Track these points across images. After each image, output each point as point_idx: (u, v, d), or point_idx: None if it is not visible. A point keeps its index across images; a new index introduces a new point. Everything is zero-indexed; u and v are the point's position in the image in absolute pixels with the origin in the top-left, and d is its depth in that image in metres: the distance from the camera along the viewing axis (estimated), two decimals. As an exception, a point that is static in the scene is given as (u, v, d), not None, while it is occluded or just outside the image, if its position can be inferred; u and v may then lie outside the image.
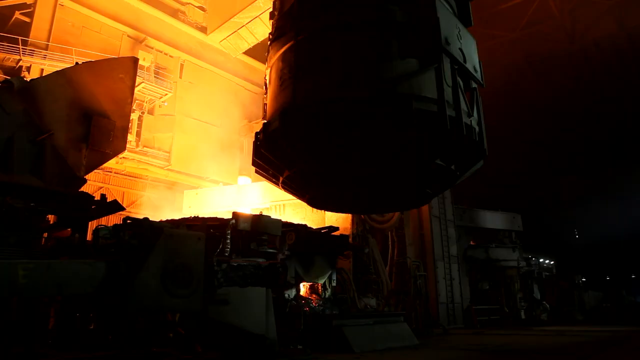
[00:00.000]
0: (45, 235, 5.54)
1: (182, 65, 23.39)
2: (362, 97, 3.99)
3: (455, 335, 10.00)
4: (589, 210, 33.60)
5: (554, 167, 33.02)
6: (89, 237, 5.49)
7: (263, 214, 6.42)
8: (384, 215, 13.75)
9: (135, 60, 6.62)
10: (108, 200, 5.83)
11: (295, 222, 7.74)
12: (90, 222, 5.65)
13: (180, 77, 23.19)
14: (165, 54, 22.74)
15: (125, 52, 20.19)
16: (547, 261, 21.77)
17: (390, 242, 14.08)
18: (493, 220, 17.18)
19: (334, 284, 8.06)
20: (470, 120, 4.36)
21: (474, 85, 4.77)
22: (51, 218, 5.71)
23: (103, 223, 5.65)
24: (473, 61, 4.67)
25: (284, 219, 7.24)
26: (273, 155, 4.81)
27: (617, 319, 17.02)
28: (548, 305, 17.73)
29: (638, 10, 21.80)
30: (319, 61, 4.26)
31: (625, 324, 12.62)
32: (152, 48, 21.94)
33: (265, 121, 4.81)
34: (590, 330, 10.69)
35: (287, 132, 4.38)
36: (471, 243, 16.68)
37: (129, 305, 3.96)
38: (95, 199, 5.65)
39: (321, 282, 7.77)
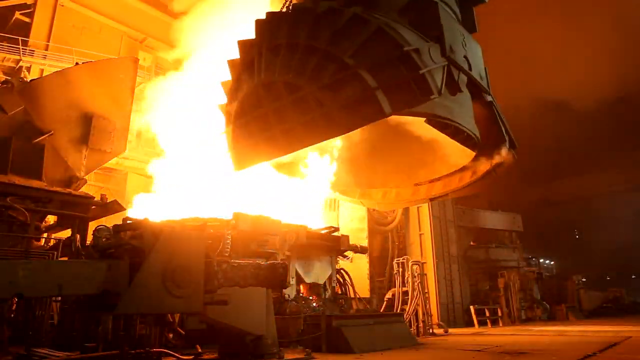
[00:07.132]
0: (45, 235, 5.55)
1: (182, 65, 23.37)
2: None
3: (455, 335, 9.99)
4: (590, 211, 33.59)
5: (554, 168, 33.02)
6: (89, 237, 5.49)
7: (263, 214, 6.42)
8: (386, 217, 13.78)
9: (135, 60, 6.64)
10: (108, 201, 5.84)
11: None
12: (90, 223, 5.67)
13: (181, 77, 23.15)
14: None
15: (125, 52, 20.15)
16: (547, 261, 21.74)
17: (390, 242, 14.09)
18: (493, 220, 17.17)
19: (334, 284, 8.06)
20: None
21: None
22: (51, 218, 5.72)
23: (103, 223, 5.66)
24: (479, 68, 4.68)
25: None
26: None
27: (617, 319, 16.98)
28: (548, 305, 17.70)
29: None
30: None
31: (625, 324, 12.60)
32: (152, 48, 21.89)
33: None
34: (590, 330, 10.67)
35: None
36: (471, 243, 16.66)
37: (129, 305, 3.96)
38: (95, 199, 5.66)
39: (321, 282, 7.77)
